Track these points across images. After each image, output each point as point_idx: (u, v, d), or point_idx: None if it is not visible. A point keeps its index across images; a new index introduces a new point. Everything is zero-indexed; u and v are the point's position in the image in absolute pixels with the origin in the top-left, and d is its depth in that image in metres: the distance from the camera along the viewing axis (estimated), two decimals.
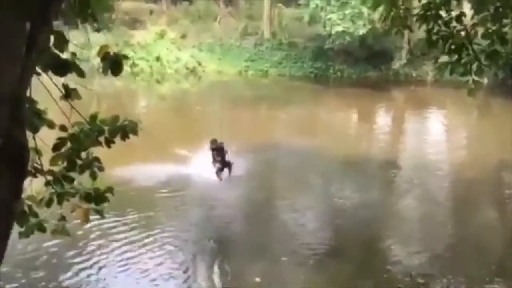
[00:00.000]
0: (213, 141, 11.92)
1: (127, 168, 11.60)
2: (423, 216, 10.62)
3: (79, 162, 3.37)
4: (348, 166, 13.02)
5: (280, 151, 13.71)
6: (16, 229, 3.10)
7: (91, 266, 8.00)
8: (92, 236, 8.77)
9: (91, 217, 3.63)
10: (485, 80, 22.76)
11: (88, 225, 8.21)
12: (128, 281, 7.67)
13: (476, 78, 5.12)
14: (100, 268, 7.96)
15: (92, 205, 3.39)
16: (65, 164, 3.37)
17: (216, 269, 7.96)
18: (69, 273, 7.78)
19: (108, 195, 3.43)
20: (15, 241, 3.16)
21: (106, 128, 3.36)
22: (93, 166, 3.38)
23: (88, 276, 7.75)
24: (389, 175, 12.83)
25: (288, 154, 13.73)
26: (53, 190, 3.32)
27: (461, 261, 8.65)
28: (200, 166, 12.03)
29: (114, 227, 9.19)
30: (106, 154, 3.55)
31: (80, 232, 8.40)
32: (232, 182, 11.86)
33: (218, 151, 11.83)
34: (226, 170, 12.01)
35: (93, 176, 3.40)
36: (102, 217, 3.51)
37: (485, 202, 11.58)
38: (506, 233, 9.77)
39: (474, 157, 14.48)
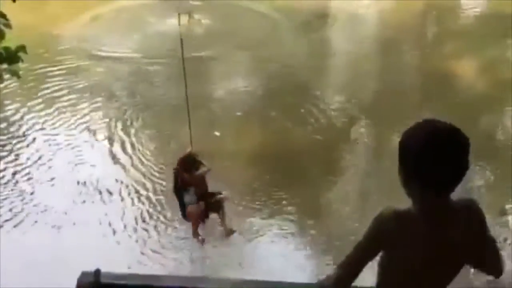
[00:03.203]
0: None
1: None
2: (349, 64, 10.93)
3: None
4: (279, 17, 12.76)
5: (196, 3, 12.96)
6: None
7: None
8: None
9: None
10: None
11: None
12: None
13: None
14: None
15: (5, 66, 3.17)
16: None
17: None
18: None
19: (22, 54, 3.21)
20: None
21: None
22: None
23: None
24: (319, 25, 12.78)
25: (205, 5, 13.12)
26: None
27: (382, 104, 9.21)
28: None
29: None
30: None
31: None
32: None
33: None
34: None
35: (0, 35, 3.12)
36: (18, 77, 3.31)
37: (409, 47, 12.00)
38: (426, 76, 10.41)
39: (401, 2, 14.59)
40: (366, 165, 7.90)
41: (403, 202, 1.90)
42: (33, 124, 8.23)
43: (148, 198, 6.85)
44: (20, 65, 3.42)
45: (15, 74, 3.25)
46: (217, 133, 7.94)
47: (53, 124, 8.27)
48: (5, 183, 7.03)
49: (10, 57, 3.13)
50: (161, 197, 6.89)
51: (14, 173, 7.20)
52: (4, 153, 7.56)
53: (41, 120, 8.32)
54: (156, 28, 11.63)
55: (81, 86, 9.33)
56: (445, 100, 8.98)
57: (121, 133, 8.03)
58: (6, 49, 3.15)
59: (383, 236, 1.85)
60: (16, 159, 7.48)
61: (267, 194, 7.00)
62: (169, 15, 12.09)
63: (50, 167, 7.36)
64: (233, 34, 11.62)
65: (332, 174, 7.61)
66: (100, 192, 6.87)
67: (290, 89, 9.50)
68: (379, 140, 8.29)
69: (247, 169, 7.52)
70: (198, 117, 8.39)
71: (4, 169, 7.25)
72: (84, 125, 8.24)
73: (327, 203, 7.14)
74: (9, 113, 8.42)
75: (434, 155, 1.73)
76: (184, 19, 11.60)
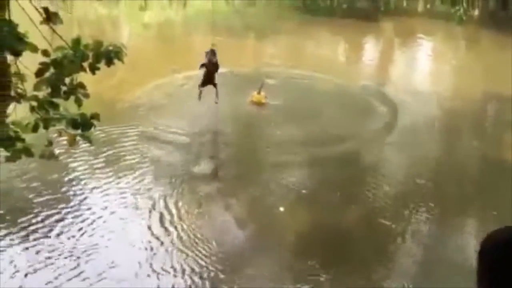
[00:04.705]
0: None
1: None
2: (408, 145, 10.87)
3: (63, 88, 3.34)
4: (336, 96, 13.07)
5: (269, 81, 13.56)
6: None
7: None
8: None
9: None
10: (475, 12, 22.44)
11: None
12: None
13: (466, 8, 5.05)
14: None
15: (79, 131, 3.39)
16: (49, 90, 3.34)
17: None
18: None
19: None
20: None
21: (90, 53, 3.30)
22: (77, 92, 3.35)
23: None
24: (376, 105, 12.90)
25: (276, 84, 13.69)
26: (38, 116, 3.30)
27: (441, 192, 8.98)
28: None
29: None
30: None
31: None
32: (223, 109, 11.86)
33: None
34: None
35: (78, 103, 3.37)
36: (90, 143, 3.52)
37: (467, 135, 11.82)
38: (486, 163, 10.14)
39: (460, 88, 14.60)
40: (424, 254, 7.49)
41: None
42: (94, 186, 8.55)
43: (198, 275, 6.76)
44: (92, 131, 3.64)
45: (87, 139, 3.46)
46: (281, 209, 8.03)
47: (112, 186, 8.56)
48: (68, 238, 7.25)
49: (85, 123, 3.37)
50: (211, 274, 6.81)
51: (75, 233, 7.43)
52: (67, 209, 7.84)
53: (102, 182, 8.65)
54: (222, 100, 12.13)
55: (140, 152, 9.74)
56: (504, 190, 8.64)
57: (173, 207, 8.06)
58: (82, 115, 3.39)
59: None
60: (75, 218, 7.71)
61: (318, 279, 6.79)
62: (237, 89, 12.71)
63: (107, 228, 7.51)
64: (297, 111, 11.95)
65: (388, 261, 7.29)
66: (153, 269, 6.85)
67: (354, 170, 9.62)
68: (437, 229, 7.90)
69: (304, 247, 7.39)
70: (265, 192, 8.60)
71: (68, 226, 7.50)
72: (142, 191, 8.45)
73: None
74: (78, 172, 8.84)
75: None
76: (250, 94, 12.15)
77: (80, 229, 7.45)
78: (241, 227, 7.75)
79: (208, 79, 11.77)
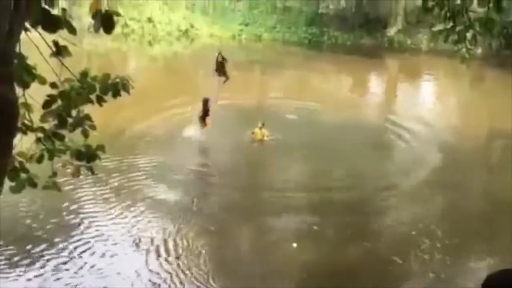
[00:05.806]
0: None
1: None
2: (414, 182, 10.77)
3: (69, 119, 3.36)
4: (340, 132, 13.10)
5: (271, 116, 13.66)
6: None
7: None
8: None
9: None
10: (478, 50, 22.74)
11: None
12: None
13: (469, 47, 5.10)
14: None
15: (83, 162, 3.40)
16: (55, 121, 3.37)
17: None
18: None
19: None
20: None
21: (97, 85, 3.34)
22: (84, 124, 3.38)
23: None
24: (381, 141, 12.91)
25: (279, 118, 13.78)
26: (43, 147, 3.32)
27: (450, 230, 8.86)
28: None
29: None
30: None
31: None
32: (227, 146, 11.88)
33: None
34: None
35: (85, 134, 3.40)
36: (93, 173, 3.52)
37: (474, 170, 11.77)
38: (492, 200, 10.04)
39: (465, 126, 14.62)
40: None
41: None
42: (98, 216, 8.49)
43: None
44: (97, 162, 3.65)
45: (91, 170, 3.47)
46: (294, 245, 7.99)
47: (115, 217, 8.49)
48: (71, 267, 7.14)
49: (90, 155, 3.38)
50: None
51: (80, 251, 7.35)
52: (70, 238, 7.76)
53: (105, 212, 8.59)
54: (225, 135, 12.18)
55: (143, 184, 9.72)
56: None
57: (176, 241, 7.95)
58: (87, 147, 3.41)
59: None
60: (78, 247, 7.63)
61: None
62: (240, 124, 12.78)
63: (109, 259, 7.42)
64: (300, 147, 11.96)
65: None
66: None
67: (360, 210, 9.49)
68: (447, 267, 7.75)
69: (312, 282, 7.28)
70: (276, 227, 8.55)
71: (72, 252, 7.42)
72: (144, 224, 8.38)
73: None
74: (82, 202, 8.80)
75: None
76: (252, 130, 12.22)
77: (82, 258, 7.37)
78: (243, 264, 7.64)
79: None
